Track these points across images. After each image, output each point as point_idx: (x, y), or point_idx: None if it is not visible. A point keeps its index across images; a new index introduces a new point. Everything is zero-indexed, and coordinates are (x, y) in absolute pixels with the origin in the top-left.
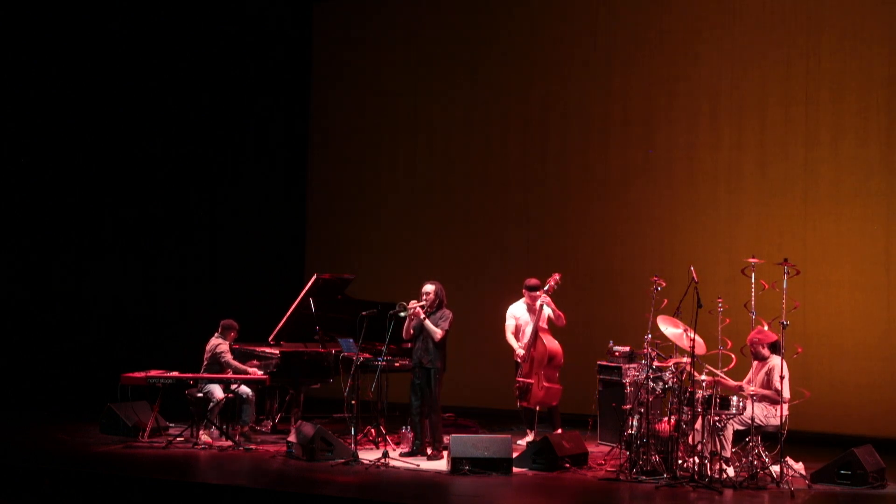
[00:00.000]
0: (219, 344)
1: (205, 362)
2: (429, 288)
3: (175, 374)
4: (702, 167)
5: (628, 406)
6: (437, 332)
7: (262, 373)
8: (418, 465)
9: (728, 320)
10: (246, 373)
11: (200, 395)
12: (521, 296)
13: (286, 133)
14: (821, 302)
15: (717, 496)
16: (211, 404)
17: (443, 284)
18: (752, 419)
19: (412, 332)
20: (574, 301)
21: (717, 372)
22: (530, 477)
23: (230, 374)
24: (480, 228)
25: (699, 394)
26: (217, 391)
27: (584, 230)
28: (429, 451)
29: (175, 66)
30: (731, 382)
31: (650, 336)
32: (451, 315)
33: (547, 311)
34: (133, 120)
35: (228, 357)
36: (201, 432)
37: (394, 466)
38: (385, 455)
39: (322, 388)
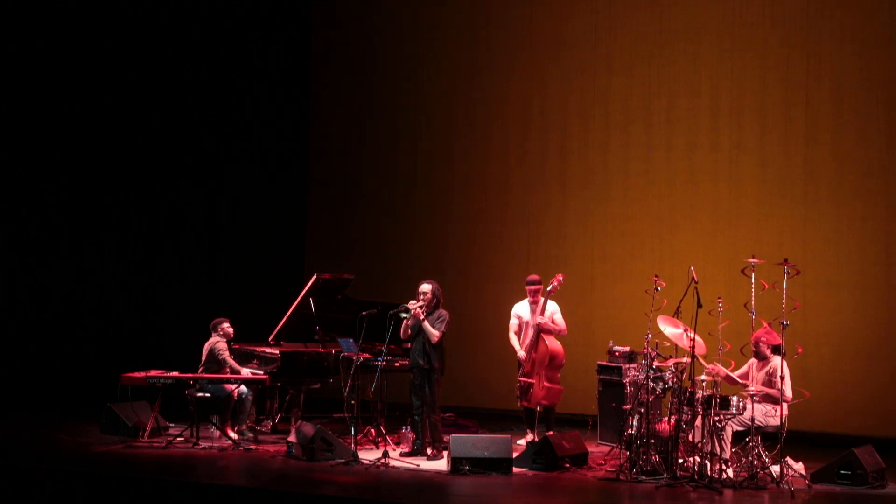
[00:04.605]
0: (217, 341)
1: (202, 361)
2: (426, 287)
3: (175, 374)
4: (702, 167)
5: (628, 406)
6: (435, 334)
7: (250, 372)
8: (418, 465)
9: (728, 321)
10: (240, 373)
11: (206, 395)
12: (524, 295)
13: (286, 132)
14: (821, 302)
15: (717, 496)
16: (222, 397)
17: (442, 284)
18: (752, 420)
19: (409, 332)
20: (574, 301)
21: (723, 372)
22: (530, 477)
23: (228, 374)
24: (481, 228)
25: (699, 394)
26: (230, 387)
27: (584, 230)
28: (429, 451)
29: (174, 66)
30: (738, 380)
31: (650, 336)
32: (447, 316)
33: (550, 309)
34: (133, 120)
35: (226, 355)
36: (228, 430)
37: (394, 466)
38: (385, 455)
39: (322, 388)
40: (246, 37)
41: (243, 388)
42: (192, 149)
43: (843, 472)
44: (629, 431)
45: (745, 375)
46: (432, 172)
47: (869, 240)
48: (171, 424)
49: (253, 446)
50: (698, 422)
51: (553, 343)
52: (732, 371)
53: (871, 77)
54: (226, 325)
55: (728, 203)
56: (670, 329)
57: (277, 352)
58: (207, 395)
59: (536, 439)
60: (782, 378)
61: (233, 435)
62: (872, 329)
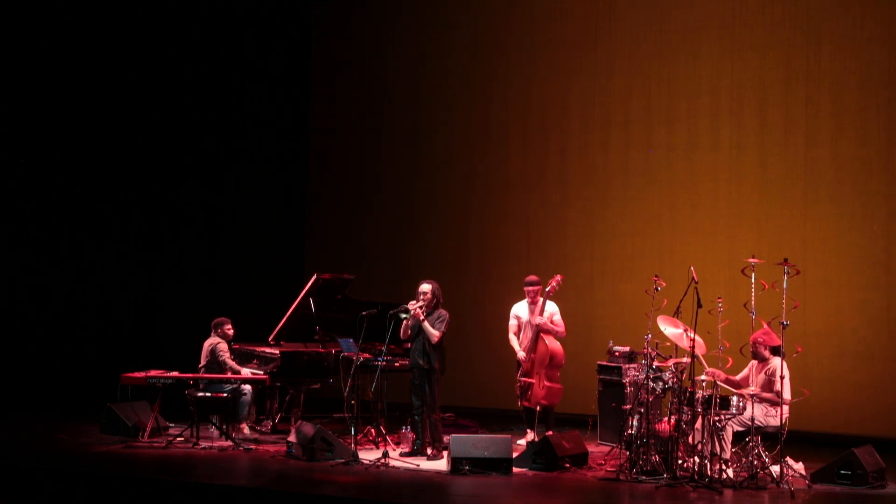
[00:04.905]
0: (218, 342)
1: (202, 362)
2: (426, 287)
3: (175, 374)
4: (702, 167)
5: (628, 406)
6: (435, 335)
7: (250, 373)
8: (418, 465)
9: (728, 321)
10: (240, 374)
11: (215, 394)
12: (524, 295)
13: (286, 132)
14: (821, 302)
15: (717, 496)
16: (244, 399)
17: (442, 284)
18: (752, 420)
19: (409, 332)
20: (574, 301)
21: (722, 376)
22: (530, 477)
23: (229, 374)
24: (480, 228)
25: (699, 394)
26: (244, 386)
27: (584, 230)
28: (429, 451)
29: (174, 66)
30: (736, 381)
31: (650, 336)
32: (447, 316)
33: (549, 309)
34: (133, 120)
35: (226, 356)
36: (243, 426)
37: (394, 466)
38: (385, 455)
39: (322, 388)
40: (246, 37)
41: (243, 387)
42: (192, 149)
43: (843, 472)
44: (629, 431)
45: (747, 378)
46: (432, 172)
47: (869, 240)
48: (171, 424)
49: (253, 446)
50: (698, 424)
51: (552, 343)
52: (734, 374)
53: (871, 77)
54: (227, 326)
55: (728, 203)
56: (670, 329)
57: (277, 352)
58: (217, 394)
59: (536, 439)
60: (782, 378)
61: (250, 433)
62: (872, 329)
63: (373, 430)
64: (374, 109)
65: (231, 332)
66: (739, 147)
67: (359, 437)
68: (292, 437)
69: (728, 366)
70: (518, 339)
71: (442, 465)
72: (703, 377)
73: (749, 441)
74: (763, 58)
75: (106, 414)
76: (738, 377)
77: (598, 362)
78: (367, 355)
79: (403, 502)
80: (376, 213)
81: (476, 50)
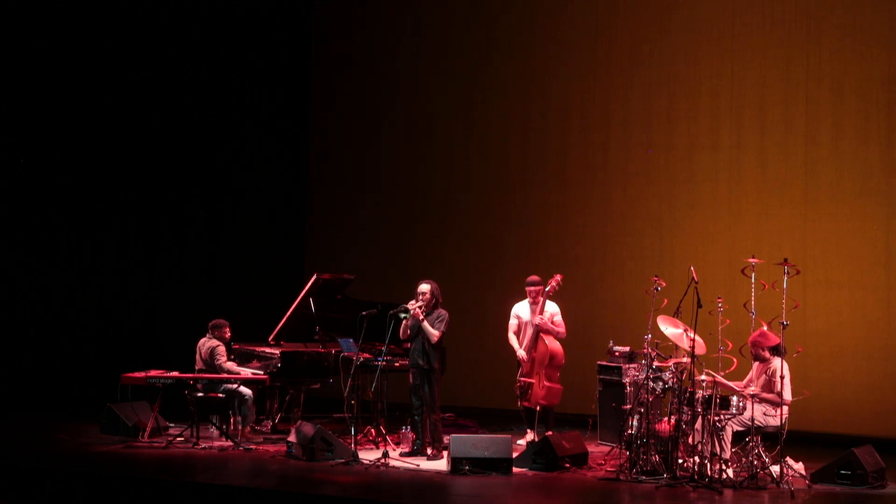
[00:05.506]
0: (217, 345)
1: (199, 363)
2: (424, 287)
3: (175, 374)
4: (702, 167)
5: (628, 406)
6: (434, 334)
7: (250, 373)
8: (418, 465)
9: (728, 321)
10: (239, 375)
11: (222, 395)
12: (524, 295)
13: (286, 132)
14: (821, 302)
15: (717, 496)
16: (247, 400)
17: (442, 284)
18: (752, 420)
19: (409, 332)
20: (574, 301)
21: (719, 377)
22: (530, 477)
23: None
24: (480, 228)
25: (699, 394)
26: (243, 387)
27: (584, 230)
28: (429, 451)
29: (174, 66)
30: (734, 386)
31: (650, 336)
32: (447, 316)
33: (550, 309)
34: (133, 120)
35: (222, 360)
36: (247, 430)
37: (394, 466)
38: (385, 455)
39: (322, 388)
40: (246, 37)
41: (244, 388)
42: (192, 149)
43: (843, 472)
44: (629, 431)
45: (750, 382)
46: (432, 172)
47: (869, 240)
48: (171, 424)
49: (253, 446)
50: (698, 424)
51: (552, 343)
52: (740, 378)
53: (871, 77)
54: (226, 329)
55: (728, 203)
56: (670, 329)
57: (277, 352)
58: (215, 394)
59: (536, 439)
60: (782, 378)
61: (250, 433)
62: (872, 329)
63: (373, 430)
64: (374, 109)
65: (228, 335)
66: (739, 147)
67: (359, 437)
68: (292, 437)
69: (732, 368)
70: (518, 338)
71: (442, 465)
72: (703, 377)
73: (749, 441)
74: (763, 58)
75: (106, 414)
76: (742, 383)
77: (598, 362)
78: (367, 355)
79: (403, 502)
80: (376, 213)
81: (476, 50)
